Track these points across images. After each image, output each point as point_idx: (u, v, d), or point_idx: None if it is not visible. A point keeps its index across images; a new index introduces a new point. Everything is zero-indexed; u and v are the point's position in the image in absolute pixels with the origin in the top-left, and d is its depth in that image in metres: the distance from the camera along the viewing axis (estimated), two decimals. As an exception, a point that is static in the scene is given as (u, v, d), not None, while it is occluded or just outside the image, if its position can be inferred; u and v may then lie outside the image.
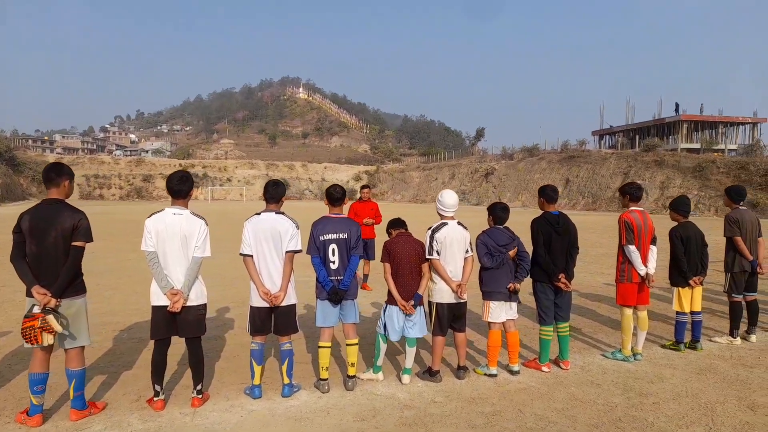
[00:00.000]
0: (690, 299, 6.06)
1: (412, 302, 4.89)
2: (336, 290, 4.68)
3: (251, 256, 4.54)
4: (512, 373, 5.28)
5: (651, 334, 6.83)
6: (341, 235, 4.73)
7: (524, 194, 56.17)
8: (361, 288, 9.67)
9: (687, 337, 6.24)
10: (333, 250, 4.71)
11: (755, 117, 55.04)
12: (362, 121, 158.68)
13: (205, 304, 4.48)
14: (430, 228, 5.06)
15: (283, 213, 4.68)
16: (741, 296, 6.42)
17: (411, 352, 5.01)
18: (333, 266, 4.72)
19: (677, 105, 56.54)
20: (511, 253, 5.18)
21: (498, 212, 5.30)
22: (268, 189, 4.67)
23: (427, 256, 4.96)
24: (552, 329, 5.44)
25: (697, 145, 51.05)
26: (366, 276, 9.79)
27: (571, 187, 51.61)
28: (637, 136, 55.96)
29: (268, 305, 4.53)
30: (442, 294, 4.99)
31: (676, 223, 6.18)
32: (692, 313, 6.13)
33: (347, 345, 4.90)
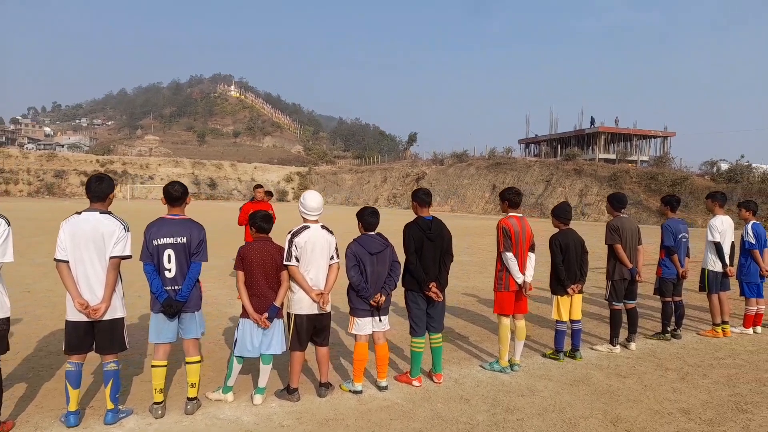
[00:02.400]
0: (569, 307, 5.94)
1: (267, 315, 4.40)
2: (171, 302, 4.11)
3: (66, 262, 3.89)
4: (380, 389, 4.91)
5: (536, 342, 6.73)
6: (179, 240, 4.17)
7: (453, 199, 57.07)
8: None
9: (568, 346, 6.14)
10: (169, 256, 4.14)
11: (665, 131, 58.66)
12: (296, 122, 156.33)
13: (7, 318, 3.81)
14: (289, 232, 4.60)
15: (109, 213, 4.07)
16: (621, 304, 6.40)
17: (265, 370, 4.52)
18: (169, 275, 4.16)
19: (592, 118, 59.43)
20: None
21: (367, 218, 4.92)
22: (91, 185, 4.04)
23: (285, 263, 4.50)
24: (423, 341, 5.11)
25: (613, 156, 53.70)
26: None
27: (497, 193, 52.90)
28: (560, 146, 58.19)
29: (86, 319, 3.90)
30: (301, 304, 4.54)
31: (557, 230, 6.06)
32: (572, 321, 6.02)
33: (187, 363, 4.33)
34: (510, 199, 5.52)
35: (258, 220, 4.54)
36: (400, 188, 67.70)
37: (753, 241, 7.29)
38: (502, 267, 5.46)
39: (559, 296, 5.94)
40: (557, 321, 5.98)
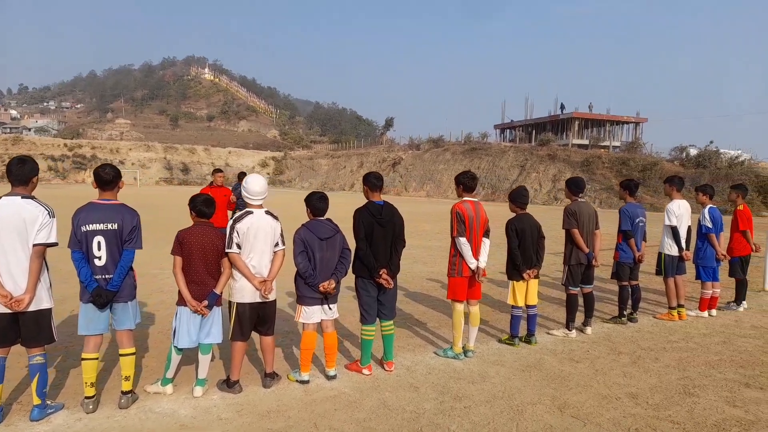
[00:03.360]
0: (525, 293, 5.90)
1: (206, 302, 4.23)
2: (101, 291, 3.91)
3: (-16, 250, 3.66)
4: (328, 378, 4.79)
5: (494, 327, 6.69)
6: (110, 226, 3.96)
7: (429, 184, 57.10)
8: None
9: (524, 331, 6.11)
10: (99, 243, 3.92)
11: (638, 117, 59.39)
12: (272, 106, 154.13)
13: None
14: (232, 217, 4.41)
15: (32, 197, 3.83)
16: (577, 289, 6.38)
17: (204, 360, 4.36)
18: (99, 263, 3.95)
19: (562, 105, 60.14)
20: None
21: (316, 203, 4.75)
22: (11, 168, 3.79)
23: (226, 250, 4.32)
24: (374, 328, 5.01)
25: (586, 141, 54.25)
26: None
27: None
28: (534, 131, 58.54)
29: (9, 311, 3.69)
30: (243, 292, 4.38)
31: (514, 215, 5.99)
32: (527, 306, 5.98)
33: (120, 355, 4.15)
34: (465, 183, 5.41)
35: (198, 204, 4.35)
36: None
37: (709, 225, 7.34)
38: (455, 252, 5.37)
39: (515, 281, 5.89)
40: (513, 306, 5.93)
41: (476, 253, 5.35)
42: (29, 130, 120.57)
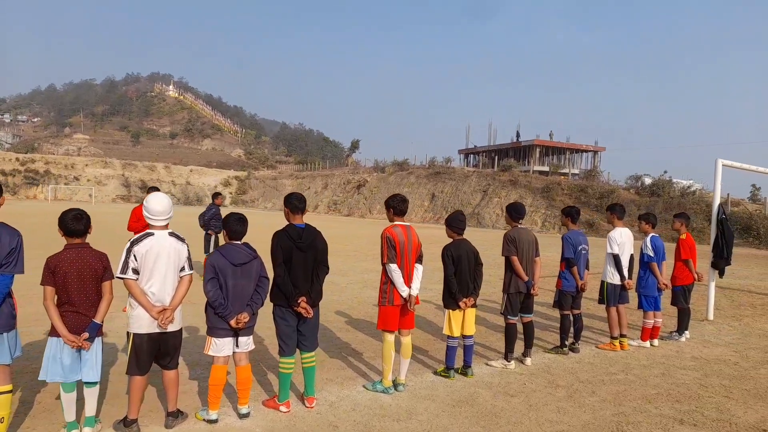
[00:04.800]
0: (461, 322, 5.64)
1: (86, 335, 3.80)
2: (-32, 321, 3.45)
3: None
4: (240, 416, 4.38)
5: (432, 358, 6.39)
6: (-19, 247, 3.52)
7: (392, 207, 57.09)
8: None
9: (460, 362, 5.83)
10: (-32, 266, 3.48)
11: (596, 146, 61.08)
12: (238, 125, 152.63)
13: None
14: (130, 240, 4.02)
15: None
16: (516, 318, 6.16)
17: (91, 394, 3.91)
18: (-33, 288, 3.49)
19: (518, 133, 61.85)
20: None
21: (233, 225, 4.41)
22: None
23: (118, 275, 3.91)
24: (293, 361, 4.64)
25: (546, 168, 55.33)
26: None
27: (436, 202, 53.29)
28: (497, 157, 59.44)
29: None
30: (141, 322, 3.96)
31: (450, 241, 5.75)
32: (464, 336, 5.72)
33: (-8, 394, 3.67)
34: (395, 206, 5.15)
35: (68, 221, 3.87)
36: (341, 195, 67.17)
37: (651, 254, 7.28)
38: (386, 279, 5.07)
39: (450, 310, 5.63)
40: (448, 336, 5.66)
41: (408, 280, 5.07)
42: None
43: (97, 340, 3.91)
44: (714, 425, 4.65)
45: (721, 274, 9.23)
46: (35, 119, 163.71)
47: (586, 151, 61.07)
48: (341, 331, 7.59)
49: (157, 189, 8.84)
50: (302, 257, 4.57)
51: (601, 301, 7.21)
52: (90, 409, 3.89)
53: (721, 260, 9.05)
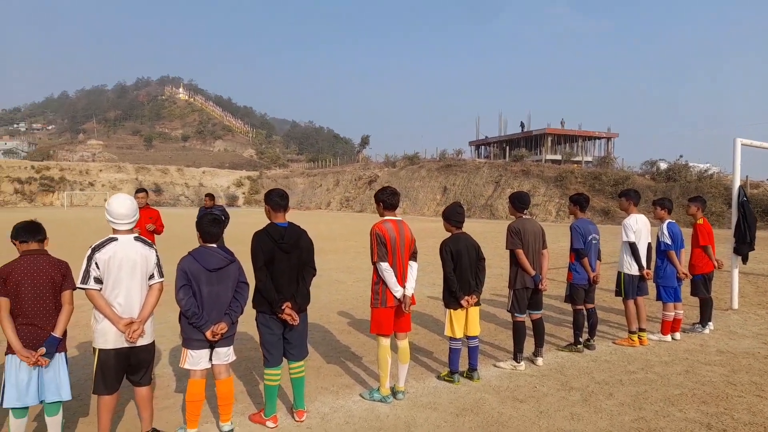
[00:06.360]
0: (464, 322, 5.23)
1: (43, 350, 3.46)
2: None
3: None
4: (223, 433, 4.04)
5: (437, 361, 5.99)
6: None
7: (405, 201, 56.52)
8: None
9: (465, 365, 5.44)
10: None
11: (609, 132, 59.98)
12: (248, 126, 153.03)
13: None
14: (91, 246, 3.67)
15: None
16: (524, 315, 5.74)
17: (54, 423, 3.58)
18: None
19: (522, 123, 61.01)
20: None
21: (206, 226, 4.04)
22: None
23: (79, 285, 3.57)
24: (278, 372, 4.28)
25: (559, 157, 54.43)
26: None
27: (448, 195, 52.70)
28: (508, 147, 58.65)
29: None
30: (106, 336, 3.62)
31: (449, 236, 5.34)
32: (468, 337, 5.31)
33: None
34: (384, 200, 4.74)
35: (20, 230, 3.56)
36: (353, 191, 66.85)
37: (669, 241, 6.80)
38: (378, 279, 4.68)
39: (452, 310, 5.22)
40: (451, 338, 5.26)
41: (402, 280, 4.68)
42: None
43: (60, 357, 3.58)
44: (746, 430, 4.20)
45: (745, 260, 8.67)
46: (49, 127, 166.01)
47: (599, 138, 60.03)
48: (342, 333, 7.23)
49: (144, 191, 8.59)
50: (286, 259, 4.20)
51: (618, 294, 6.75)
52: (52, 435, 3.56)
53: (744, 245, 8.50)
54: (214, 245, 4.07)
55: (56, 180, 73.82)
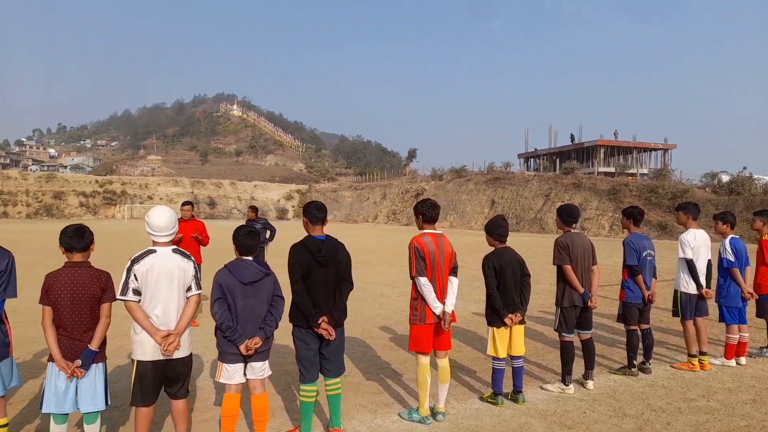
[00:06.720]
0: (507, 341, 5.01)
1: (79, 362, 3.50)
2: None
3: None
4: (257, 450, 3.98)
5: (480, 380, 5.77)
6: (-30, 270, 3.30)
7: (452, 215, 56.10)
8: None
9: (510, 387, 5.20)
10: (-43, 290, 3.27)
11: (666, 143, 57.61)
12: (298, 140, 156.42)
13: None
14: (131, 258, 3.72)
15: None
16: (572, 335, 5.45)
17: (90, 430, 3.61)
18: (-45, 314, 3.29)
19: (572, 135, 59.24)
20: None
21: (242, 238, 4.03)
22: None
23: (119, 296, 3.61)
24: (314, 388, 4.19)
25: (612, 169, 52.68)
26: None
27: (496, 209, 51.86)
28: (558, 160, 57.29)
29: None
30: (144, 348, 3.64)
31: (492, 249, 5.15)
32: (512, 357, 5.08)
33: (-11, 427, 3.44)
34: (424, 212, 4.62)
35: (66, 238, 3.62)
36: (399, 204, 66.87)
37: (732, 258, 6.34)
38: (416, 295, 4.54)
39: (495, 328, 5.01)
40: (494, 358, 5.04)
41: (441, 295, 4.52)
42: (65, 167, 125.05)
43: (97, 367, 3.62)
44: (823, 469, 3.78)
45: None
46: (113, 143, 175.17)
47: (655, 149, 57.74)
48: (383, 349, 7.10)
49: (190, 203, 8.79)
50: (322, 272, 4.14)
51: (675, 314, 6.33)
52: (88, 448, 3.59)
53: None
54: (250, 258, 4.05)
55: (118, 194, 77.46)
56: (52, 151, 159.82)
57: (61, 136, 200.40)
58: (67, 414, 3.55)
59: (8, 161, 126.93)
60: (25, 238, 27.92)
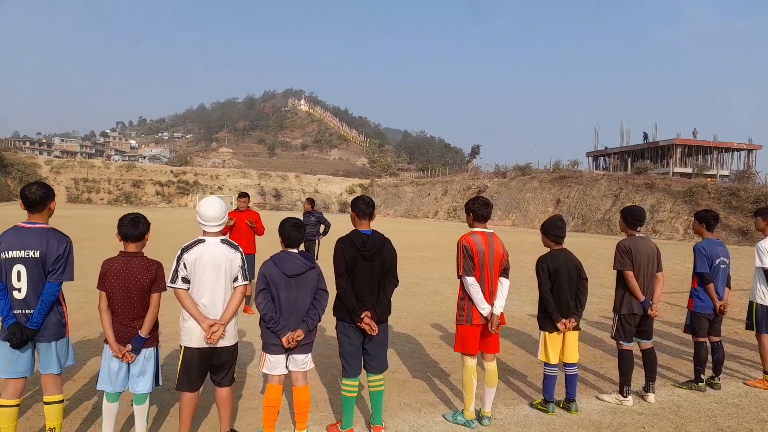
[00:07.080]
0: (560, 347, 4.78)
1: (129, 347, 3.63)
2: (17, 329, 3.42)
3: None
4: (297, 442, 3.99)
5: (531, 386, 5.55)
6: (32, 253, 3.48)
7: (515, 213, 54.87)
8: (244, 311, 8.44)
9: (562, 395, 4.96)
10: (18, 273, 3.46)
11: (750, 143, 53.67)
12: (362, 135, 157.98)
13: None
14: (181, 246, 3.81)
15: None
16: (631, 344, 5.13)
17: (141, 412, 3.74)
18: (18, 295, 3.47)
19: (645, 134, 56.36)
20: None
21: (289, 231, 4.04)
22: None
23: (169, 284, 3.71)
24: (356, 383, 4.16)
25: (689, 170, 49.71)
26: (248, 297, 8.53)
27: (562, 208, 50.22)
28: (630, 159, 54.70)
29: None
30: (191, 335, 3.73)
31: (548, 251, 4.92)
32: (565, 365, 4.85)
33: (45, 403, 3.63)
34: (475, 210, 4.47)
35: (122, 226, 3.74)
36: (461, 201, 66.05)
37: (819, 269, 5.75)
38: (464, 295, 4.41)
39: (547, 332, 4.80)
40: (545, 364, 4.83)
41: (490, 297, 4.36)
42: (144, 158, 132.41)
43: (148, 352, 3.74)
44: None
45: None
46: (188, 135, 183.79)
47: (738, 149, 53.93)
48: (433, 347, 6.99)
49: (246, 195, 9.00)
50: (367, 267, 4.09)
51: (749, 327, 5.85)
52: (140, 427, 3.72)
53: None
54: (295, 251, 4.06)
55: (191, 184, 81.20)
56: (132, 142, 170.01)
57: (142, 128, 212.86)
58: (119, 393, 3.70)
59: (93, 151, 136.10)
60: (109, 223, 29.77)
